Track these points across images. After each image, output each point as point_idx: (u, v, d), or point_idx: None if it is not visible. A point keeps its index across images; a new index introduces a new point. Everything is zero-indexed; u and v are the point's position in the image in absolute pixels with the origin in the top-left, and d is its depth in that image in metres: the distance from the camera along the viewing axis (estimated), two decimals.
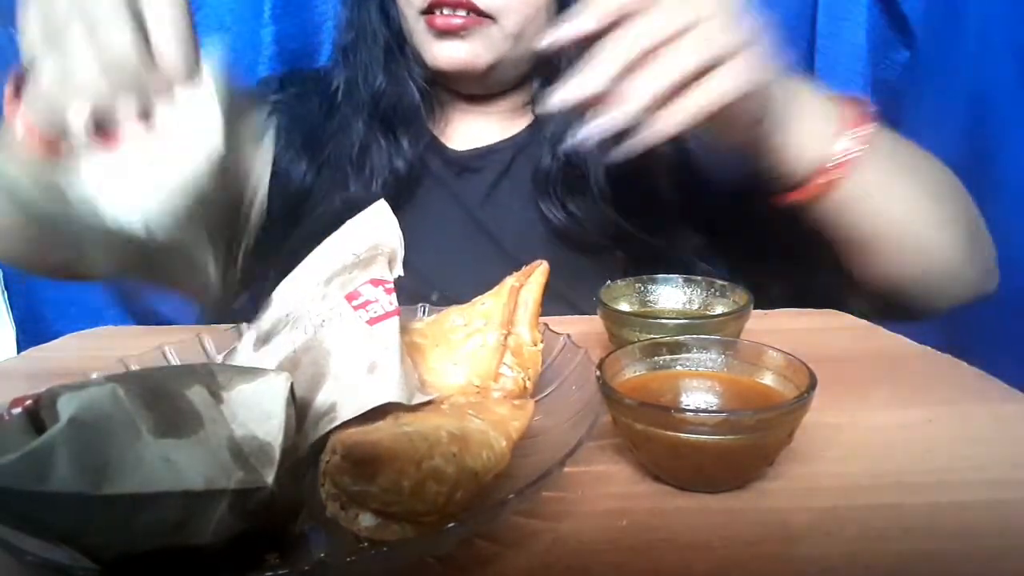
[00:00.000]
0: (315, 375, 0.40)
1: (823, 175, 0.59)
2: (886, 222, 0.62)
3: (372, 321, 0.41)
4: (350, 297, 0.43)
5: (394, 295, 0.43)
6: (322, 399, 0.39)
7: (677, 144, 0.65)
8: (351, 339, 0.41)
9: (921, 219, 0.62)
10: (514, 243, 0.78)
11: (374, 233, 0.49)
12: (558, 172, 0.76)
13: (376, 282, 0.43)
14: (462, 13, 0.72)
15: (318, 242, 0.52)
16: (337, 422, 0.37)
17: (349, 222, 0.50)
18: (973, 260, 0.65)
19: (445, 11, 0.72)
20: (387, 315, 0.41)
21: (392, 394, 0.38)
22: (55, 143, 0.50)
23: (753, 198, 0.64)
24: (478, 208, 0.80)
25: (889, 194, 0.61)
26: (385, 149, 0.79)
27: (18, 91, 0.53)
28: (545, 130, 0.78)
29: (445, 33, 0.74)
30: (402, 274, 0.46)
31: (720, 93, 0.50)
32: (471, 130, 0.84)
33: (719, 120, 0.51)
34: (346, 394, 0.39)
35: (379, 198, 0.68)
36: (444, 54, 0.75)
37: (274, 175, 0.80)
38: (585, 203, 0.76)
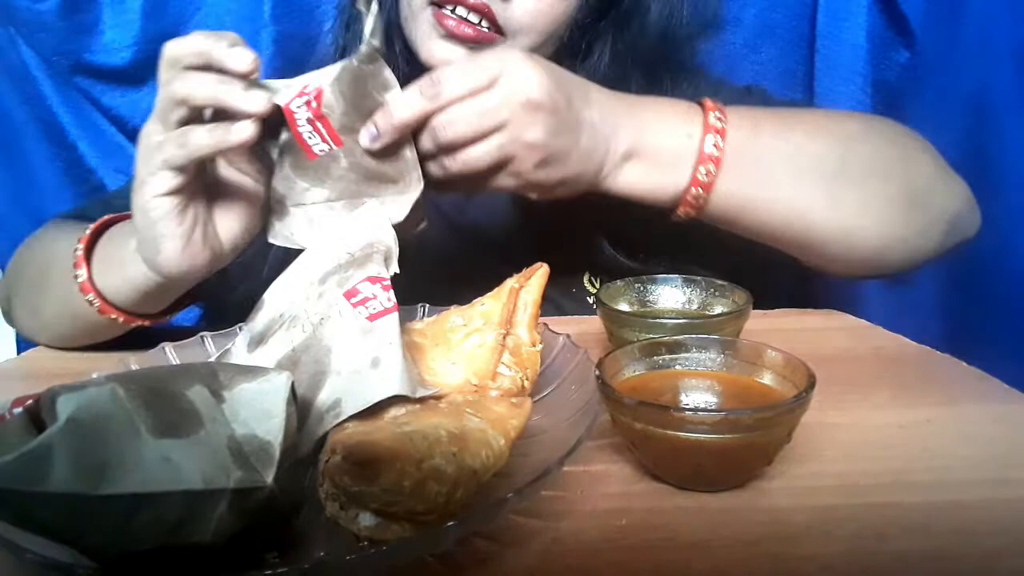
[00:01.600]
0: (316, 373, 0.40)
1: (691, 184, 0.58)
2: (773, 225, 0.60)
3: (372, 317, 0.41)
4: (348, 295, 0.43)
5: (391, 292, 0.43)
6: (325, 396, 0.39)
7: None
8: (352, 336, 0.41)
9: (814, 215, 0.60)
10: (496, 247, 0.75)
11: (367, 232, 0.49)
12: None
13: (373, 279, 0.43)
14: (474, 20, 0.67)
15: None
16: (342, 417, 0.37)
17: (340, 221, 0.50)
18: (920, 225, 0.62)
19: (459, 12, 0.67)
20: (386, 311, 0.42)
21: (396, 388, 0.38)
22: None
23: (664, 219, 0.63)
24: (458, 215, 0.78)
25: (764, 198, 0.59)
26: None
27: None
28: None
29: (451, 36, 0.69)
30: (398, 271, 0.46)
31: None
32: None
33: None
34: (350, 390, 0.39)
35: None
36: (442, 55, 0.70)
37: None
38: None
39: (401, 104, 0.50)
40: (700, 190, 0.58)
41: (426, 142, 0.52)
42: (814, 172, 0.59)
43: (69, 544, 0.30)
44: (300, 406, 0.37)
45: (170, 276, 0.53)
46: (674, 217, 0.60)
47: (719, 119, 0.58)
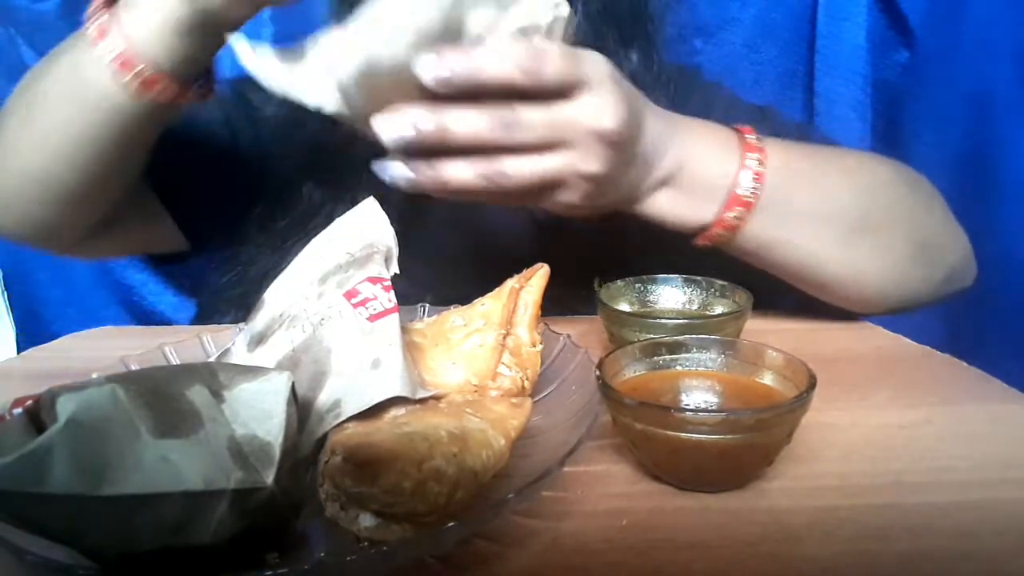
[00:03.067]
0: (316, 373, 0.40)
1: (717, 223, 0.57)
2: (790, 265, 0.60)
3: (372, 318, 0.41)
4: (349, 295, 0.43)
5: (392, 292, 0.43)
6: (325, 396, 0.39)
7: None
8: (352, 336, 0.41)
9: (829, 259, 0.59)
10: (505, 244, 0.75)
11: (366, 232, 0.48)
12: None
13: (374, 280, 0.43)
14: None
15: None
16: (343, 417, 0.37)
17: (338, 220, 0.50)
18: (923, 273, 0.63)
19: None
20: (387, 312, 0.42)
21: (396, 388, 0.38)
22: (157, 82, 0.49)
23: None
24: (467, 209, 0.78)
25: (787, 241, 0.58)
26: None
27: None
28: None
29: None
30: (398, 272, 0.45)
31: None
32: None
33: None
34: (350, 390, 0.39)
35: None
36: None
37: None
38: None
39: (496, 60, 0.44)
40: (725, 231, 0.57)
41: (470, 125, 0.46)
42: (838, 221, 0.59)
43: (69, 545, 0.30)
44: (300, 406, 0.37)
45: None
46: (692, 241, 0.59)
47: (759, 161, 0.56)
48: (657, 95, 0.60)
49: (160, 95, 0.56)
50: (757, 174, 0.55)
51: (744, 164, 0.55)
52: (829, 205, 0.59)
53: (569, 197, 0.51)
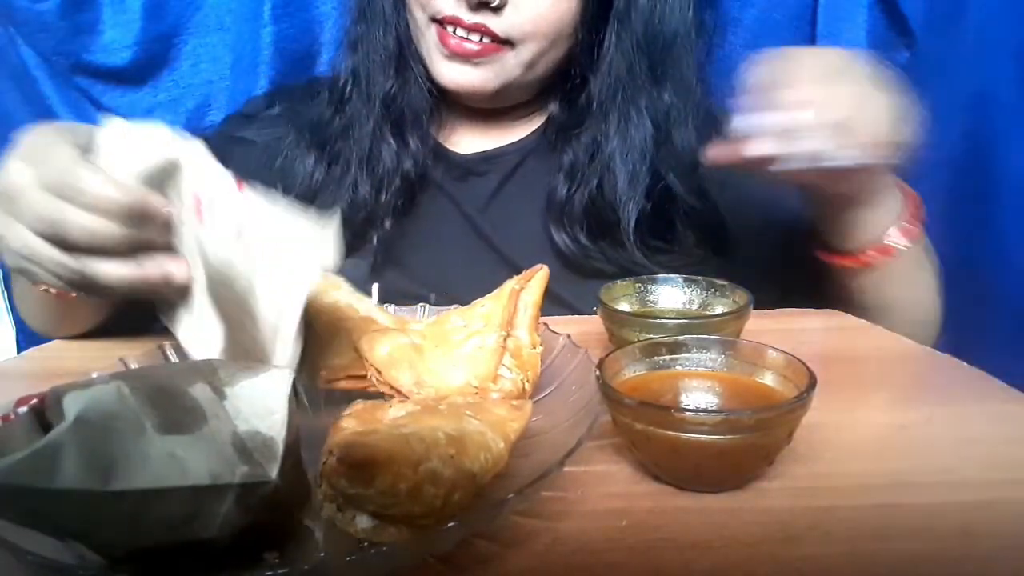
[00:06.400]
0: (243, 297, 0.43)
1: (871, 254, 0.64)
2: (898, 304, 0.68)
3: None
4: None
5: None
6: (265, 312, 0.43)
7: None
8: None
9: (923, 307, 0.70)
10: (514, 249, 0.76)
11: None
12: (581, 211, 0.74)
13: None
14: (476, 38, 0.69)
15: None
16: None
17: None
18: (934, 319, 0.72)
19: (459, 32, 0.69)
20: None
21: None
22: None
23: (796, 242, 0.70)
24: (479, 213, 0.78)
25: (911, 283, 0.67)
26: (394, 150, 0.76)
27: None
28: (562, 159, 0.76)
29: (456, 55, 0.70)
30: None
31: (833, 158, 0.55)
32: (477, 135, 0.82)
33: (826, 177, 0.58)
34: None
35: (389, 204, 0.71)
36: (452, 76, 0.72)
37: (281, 173, 0.78)
38: (601, 240, 0.75)
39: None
40: (883, 256, 0.64)
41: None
42: (930, 263, 0.69)
43: (79, 540, 0.30)
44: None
45: None
46: (826, 259, 0.68)
47: (915, 223, 0.65)
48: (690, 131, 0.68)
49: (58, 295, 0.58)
50: (917, 212, 0.65)
51: (909, 197, 0.65)
52: (932, 260, 0.69)
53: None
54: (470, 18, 0.68)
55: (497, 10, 0.68)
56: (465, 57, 0.70)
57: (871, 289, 0.67)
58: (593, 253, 0.75)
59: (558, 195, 0.76)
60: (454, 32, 0.69)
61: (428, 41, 0.73)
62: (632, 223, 0.73)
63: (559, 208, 0.76)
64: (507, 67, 0.72)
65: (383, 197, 0.76)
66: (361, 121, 0.77)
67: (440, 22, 0.70)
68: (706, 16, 0.79)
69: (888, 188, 0.63)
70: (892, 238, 0.64)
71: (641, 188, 0.74)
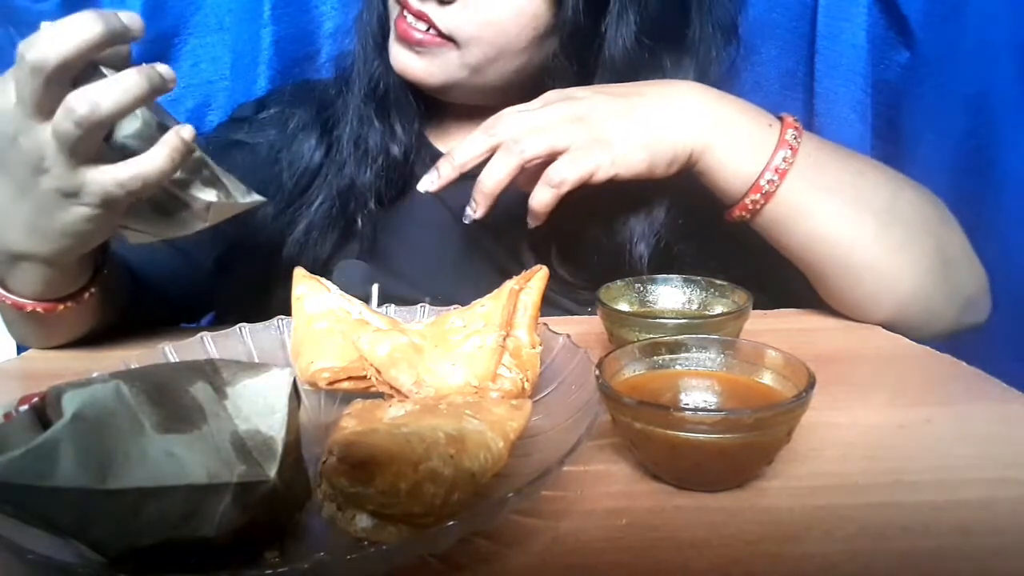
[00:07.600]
0: None
1: (753, 190, 0.61)
2: (821, 239, 0.62)
3: None
4: None
5: None
6: None
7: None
8: None
9: (862, 240, 0.61)
10: (505, 248, 0.75)
11: None
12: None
13: None
14: (422, 27, 0.68)
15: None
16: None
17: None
18: (945, 290, 0.64)
19: (409, 18, 0.69)
20: None
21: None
22: None
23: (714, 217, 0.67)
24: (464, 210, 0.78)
25: (820, 211, 0.61)
26: (379, 131, 0.77)
27: None
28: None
29: (402, 39, 0.70)
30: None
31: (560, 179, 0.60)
32: (463, 133, 0.80)
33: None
34: None
35: (373, 184, 0.76)
36: (398, 60, 0.72)
37: (289, 159, 0.80)
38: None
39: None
40: (761, 196, 0.61)
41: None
42: (868, 201, 0.62)
43: (75, 537, 0.30)
44: None
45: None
46: (728, 217, 0.64)
47: (795, 137, 0.61)
48: None
49: (37, 310, 0.59)
50: (792, 148, 0.61)
51: (783, 139, 0.61)
52: (859, 183, 0.62)
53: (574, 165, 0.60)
54: (417, 4, 0.68)
55: (444, 3, 0.67)
56: (409, 43, 0.70)
57: (776, 235, 0.64)
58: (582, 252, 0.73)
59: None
60: (405, 17, 0.69)
61: (392, 26, 0.73)
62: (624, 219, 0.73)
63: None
64: (450, 65, 0.71)
65: (367, 175, 0.76)
66: (354, 101, 0.78)
67: (402, 4, 0.70)
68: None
69: (720, 120, 0.62)
70: (765, 177, 0.61)
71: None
